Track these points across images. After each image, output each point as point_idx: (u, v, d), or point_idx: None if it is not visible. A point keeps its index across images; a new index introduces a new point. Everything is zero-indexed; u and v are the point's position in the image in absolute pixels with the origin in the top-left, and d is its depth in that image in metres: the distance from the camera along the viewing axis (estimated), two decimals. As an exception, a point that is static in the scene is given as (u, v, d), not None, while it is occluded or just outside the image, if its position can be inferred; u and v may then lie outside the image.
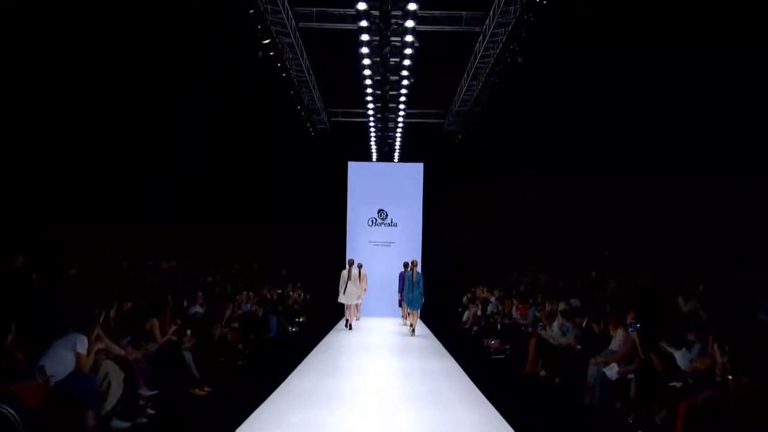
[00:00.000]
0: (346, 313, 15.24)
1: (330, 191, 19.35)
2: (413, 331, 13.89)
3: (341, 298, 15.03)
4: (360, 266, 15.59)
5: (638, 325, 7.00)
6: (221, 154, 15.49)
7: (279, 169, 18.26)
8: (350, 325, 14.71)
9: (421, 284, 13.87)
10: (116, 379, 6.15)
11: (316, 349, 11.30)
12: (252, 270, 15.51)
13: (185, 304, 9.24)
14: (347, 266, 15.40)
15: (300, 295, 17.12)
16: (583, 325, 8.74)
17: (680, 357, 6.33)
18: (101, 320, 6.48)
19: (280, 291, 15.00)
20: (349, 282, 14.96)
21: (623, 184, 13.07)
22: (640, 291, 9.45)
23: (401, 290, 15.17)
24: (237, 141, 15.66)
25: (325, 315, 17.11)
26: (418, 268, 14.20)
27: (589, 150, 13.76)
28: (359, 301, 15.54)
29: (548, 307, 10.08)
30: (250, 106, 14.79)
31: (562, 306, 9.64)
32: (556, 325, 9.30)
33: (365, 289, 15.64)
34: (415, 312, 13.96)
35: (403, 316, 15.39)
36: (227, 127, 15.11)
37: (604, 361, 7.29)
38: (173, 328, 7.68)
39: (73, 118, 10.49)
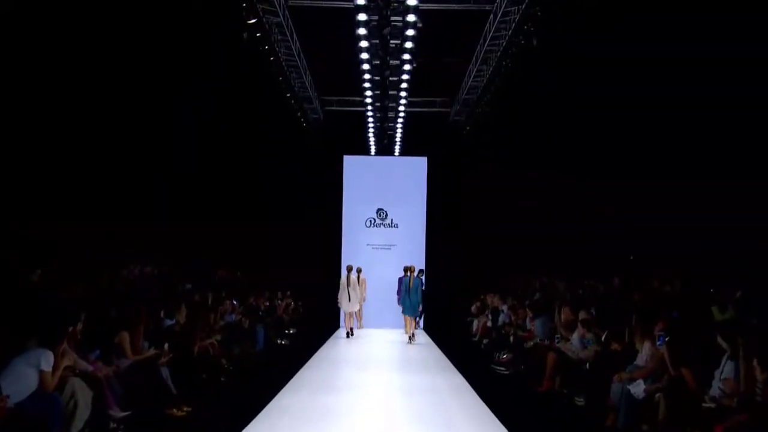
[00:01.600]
0: (346, 321, 15.87)
1: (324, 188, 19.32)
2: (410, 338, 14.72)
3: (341, 306, 15.93)
4: (359, 271, 16.13)
5: (667, 338, 6.93)
6: (199, 149, 15.46)
7: (266, 165, 18.21)
8: (350, 333, 15.48)
9: (419, 291, 14.84)
10: (84, 398, 6.08)
11: (308, 364, 11.26)
12: (236, 276, 15.46)
13: (162, 314, 9.17)
14: (346, 272, 16.10)
15: (290, 304, 17.08)
16: (604, 338, 8.68)
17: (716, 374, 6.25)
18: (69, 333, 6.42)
19: (267, 303, 14.94)
20: (348, 288, 15.60)
21: (650, 181, 13.01)
22: (670, 299, 9.39)
23: (399, 294, 15.82)
24: (218, 134, 15.63)
25: (318, 325, 17.08)
26: (416, 274, 15.16)
27: (614, 143, 13.71)
28: (359, 308, 16.09)
29: (567, 317, 10.03)
30: (233, 94, 14.75)
31: (582, 315, 9.58)
32: (575, 337, 9.23)
33: (365, 297, 16.13)
34: (412, 319, 14.89)
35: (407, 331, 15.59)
36: (207, 119, 15.08)
37: (630, 377, 7.24)
38: (153, 351, 7.61)
39: (31, 103, 10.50)
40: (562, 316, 10.27)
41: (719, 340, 6.26)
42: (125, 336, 7.46)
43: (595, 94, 13.23)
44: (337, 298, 16.22)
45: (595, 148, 14.32)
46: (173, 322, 9.27)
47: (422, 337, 16.47)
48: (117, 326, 7.51)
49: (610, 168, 14.08)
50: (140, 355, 7.53)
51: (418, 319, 14.98)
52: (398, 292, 16.30)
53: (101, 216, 12.42)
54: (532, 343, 10.84)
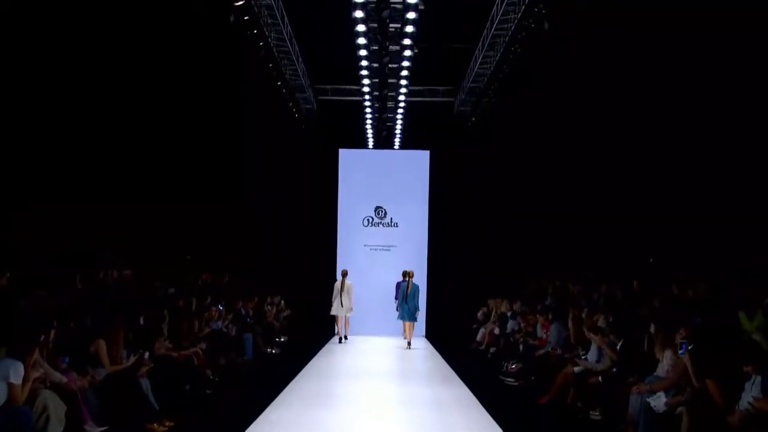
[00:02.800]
0: (337, 327, 16.61)
1: (317, 185, 19.28)
2: (409, 344, 15.46)
3: (333, 311, 16.51)
4: (344, 274, 16.49)
5: (690, 346, 6.92)
6: (180, 142, 15.47)
7: (254, 160, 18.16)
8: (342, 339, 16.30)
9: (416, 296, 15.69)
10: (57, 412, 6.09)
11: (301, 374, 11.26)
12: (223, 280, 15.46)
13: (142, 321, 9.15)
14: (340, 277, 16.58)
15: (281, 310, 17.08)
16: (620, 346, 8.68)
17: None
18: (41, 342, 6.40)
19: (256, 308, 14.93)
20: (342, 294, 16.30)
21: (673, 176, 13.00)
22: (693, 304, 9.38)
23: (397, 299, 16.42)
24: (201, 126, 15.62)
25: (312, 333, 17.08)
26: (415, 279, 15.89)
27: (635, 132, 13.69)
28: (348, 315, 16.50)
29: (581, 324, 10.02)
30: (218, 82, 14.71)
31: (597, 322, 9.58)
32: (593, 347, 9.23)
33: (351, 308, 16.43)
34: (411, 324, 15.67)
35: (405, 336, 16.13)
36: (190, 109, 15.06)
37: (649, 389, 7.25)
38: (134, 358, 7.60)
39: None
40: (576, 323, 10.27)
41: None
42: (102, 344, 7.44)
43: (612, 81, 13.20)
44: (332, 303, 16.58)
45: (615, 138, 14.29)
46: (156, 329, 9.26)
47: (424, 345, 16.48)
48: (93, 334, 7.48)
49: (628, 161, 14.05)
50: (118, 365, 7.51)
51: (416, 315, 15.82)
52: (396, 298, 16.61)
53: (75, 213, 12.43)
54: (543, 352, 10.83)
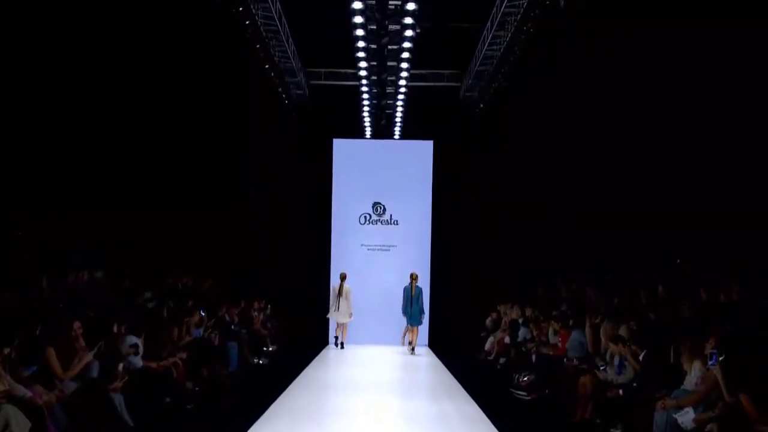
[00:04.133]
0: (336, 331, 16.99)
1: (310, 178, 19.24)
2: (413, 349, 16.21)
3: (330, 315, 17.02)
4: (342, 277, 16.82)
5: (721, 357, 6.88)
6: (160, 131, 15.43)
7: (239, 151, 18.10)
8: (341, 344, 16.76)
9: (420, 299, 16.48)
10: (20, 429, 6.05)
11: (291, 387, 11.23)
12: (205, 283, 15.43)
13: (116, 329, 9.11)
14: (339, 280, 16.90)
15: (270, 316, 17.06)
16: (642, 357, 8.66)
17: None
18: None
19: (239, 311, 14.90)
20: (340, 298, 16.74)
21: (703, 168, 12.95)
22: (725, 310, 9.35)
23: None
24: (182, 114, 15.59)
25: (303, 341, 17.06)
26: (418, 282, 16.73)
27: (663, 122, 13.64)
28: (347, 321, 16.88)
29: (599, 332, 10.00)
30: (201, 65, 14.66)
31: (619, 330, 9.55)
32: (610, 355, 9.21)
33: (350, 314, 16.81)
34: (415, 329, 16.46)
35: (403, 342, 16.87)
36: (169, 96, 15.03)
37: (676, 404, 7.23)
38: (86, 357, 7.55)
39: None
40: (595, 331, 10.25)
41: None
42: (51, 353, 7.40)
43: (637, 64, 13.15)
44: (330, 308, 16.91)
45: (639, 128, 14.25)
46: (136, 340, 9.25)
47: (427, 355, 16.47)
48: (43, 342, 7.46)
49: (652, 152, 14.01)
50: (71, 371, 7.47)
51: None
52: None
53: (44, 211, 12.44)
54: (559, 363, 10.80)
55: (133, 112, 14.74)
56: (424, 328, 17.69)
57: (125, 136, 14.81)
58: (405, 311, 16.59)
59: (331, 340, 17.50)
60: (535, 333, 13.11)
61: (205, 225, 16.84)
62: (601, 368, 9.47)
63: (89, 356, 7.67)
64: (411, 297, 16.48)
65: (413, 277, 16.69)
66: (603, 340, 9.90)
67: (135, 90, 14.34)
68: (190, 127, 16.00)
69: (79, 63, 13.15)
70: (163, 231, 15.60)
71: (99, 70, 13.62)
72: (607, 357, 9.62)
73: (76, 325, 7.95)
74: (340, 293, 16.73)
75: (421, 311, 16.59)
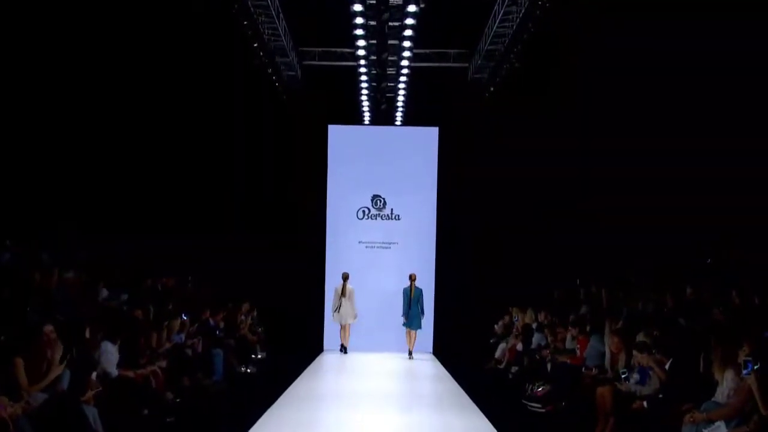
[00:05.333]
0: (340, 335, 17.46)
1: (302, 169, 19.21)
2: (410, 353, 16.75)
3: (334, 318, 17.46)
4: (345, 277, 17.21)
5: (756, 365, 6.87)
6: (139, 117, 15.42)
7: (225, 138, 18.08)
8: (345, 349, 17.30)
9: (421, 301, 16.94)
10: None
11: (282, 399, 11.22)
12: (187, 285, 15.42)
13: (90, 334, 9.10)
14: (341, 281, 17.31)
15: (258, 321, 17.07)
16: (669, 366, 8.65)
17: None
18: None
19: (224, 315, 14.89)
20: (343, 299, 17.19)
21: (736, 162, 12.98)
22: (760, 315, 9.35)
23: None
24: (162, 98, 15.56)
25: (296, 348, 17.06)
26: (421, 283, 17.18)
27: (692, 113, 13.65)
28: (351, 322, 17.31)
29: (621, 339, 9.99)
30: (181, 42, 14.65)
31: (640, 337, 9.53)
32: (637, 367, 9.19)
33: (355, 315, 17.25)
34: (414, 332, 16.97)
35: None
36: (150, 79, 15.01)
37: (706, 418, 7.21)
38: (56, 370, 7.54)
39: None
40: (616, 337, 10.24)
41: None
42: (19, 363, 7.38)
43: (667, 42, 13.16)
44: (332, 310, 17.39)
45: (666, 117, 14.26)
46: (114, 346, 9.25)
47: (432, 363, 16.47)
48: (8, 350, 7.44)
49: (682, 143, 14.02)
50: (39, 384, 7.45)
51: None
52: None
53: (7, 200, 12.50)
54: (576, 372, 10.80)
55: (106, 98, 14.77)
56: (428, 334, 17.74)
57: (97, 122, 14.82)
58: (405, 313, 17.01)
59: (330, 345, 17.68)
60: (550, 339, 13.08)
61: (183, 220, 16.86)
62: (622, 376, 9.45)
63: (59, 369, 7.64)
64: (410, 299, 16.89)
65: (412, 278, 17.04)
66: (625, 347, 9.89)
67: (103, 74, 14.38)
68: (168, 112, 16.01)
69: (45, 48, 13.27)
70: (139, 226, 15.61)
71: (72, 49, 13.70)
72: (621, 366, 9.61)
73: (48, 328, 7.93)
74: (343, 293, 17.11)
75: (421, 313, 17.01)
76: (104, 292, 12.18)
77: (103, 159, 15.58)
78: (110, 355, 9.20)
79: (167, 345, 11.18)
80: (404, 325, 17.08)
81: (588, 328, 11.61)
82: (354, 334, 17.41)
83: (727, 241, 13.35)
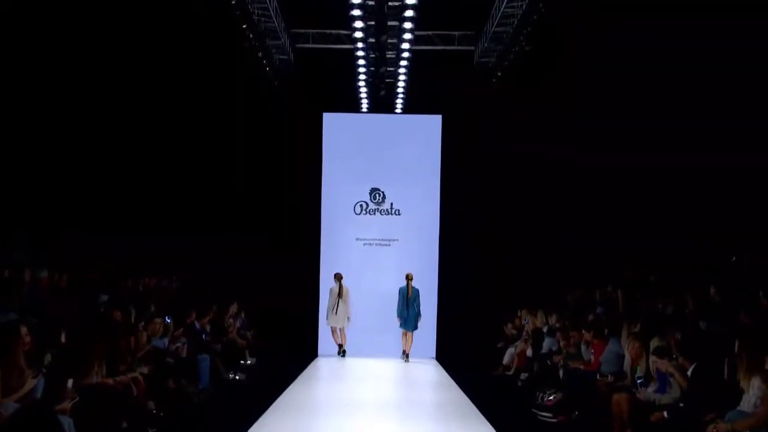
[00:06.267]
0: (334, 338, 17.64)
1: (295, 160, 19.17)
2: (407, 356, 17.22)
3: (328, 321, 17.64)
4: (339, 278, 17.47)
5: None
6: (119, 102, 15.42)
7: (211, 127, 18.05)
8: (343, 351, 17.53)
9: (417, 301, 17.23)
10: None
11: (273, 408, 11.20)
12: (171, 285, 15.41)
13: (65, 339, 9.08)
14: (335, 281, 17.59)
15: (248, 323, 17.07)
16: (691, 372, 8.65)
17: None
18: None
19: (210, 318, 14.89)
20: (339, 300, 17.40)
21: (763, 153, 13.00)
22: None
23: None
24: (147, 82, 15.55)
25: (288, 353, 17.06)
26: (424, 282, 17.49)
27: (716, 102, 13.67)
28: (344, 325, 17.49)
29: (639, 343, 9.99)
30: (164, 26, 14.65)
31: (656, 342, 9.55)
32: (656, 373, 9.18)
33: (348, 317, 17.42)
34: (410, 334, 17.31)
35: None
36: (133, 61, 15.03)
37: (731, 429, 7.23)
38: (29, 383, 7.51)
39: None
40: (634, 342, 10.23)
41: None
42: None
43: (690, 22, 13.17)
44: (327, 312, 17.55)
45: (690, 104, 14.26)
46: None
47: (434, 368, 16.47)
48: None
49: (706, 129, 14.02)
50: (16, 394, 7.42)
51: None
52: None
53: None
54: (591, 379, 10.78)
55: (83, 89, 14.83)
56: (430, 337, 17.77)
57: (72, 114, 14.86)
58: (400, 314, 17.22)
59: (325, 350, 17.81)
60: (562, 343, 13.11)
61: (167, 217, 16.85)
62: (638, 381, 9.45)
63: (33, 382, 7.60)
64: (407, 299, 17.11)
65: (409, 278, 17.22)
66: (645, 352, 9.88)
67: (84, 63, 14.43)
68: (147, 100, 16.01)
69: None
70: (119, 222, 15.62)
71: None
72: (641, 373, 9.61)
73: (23, 330, 7.91)
74: (340, 294, 17.34)
75: (418, 315, 17.25)
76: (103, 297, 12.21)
77: (78, 152, 15.60)
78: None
79: (149, 348, 11.15)
80: (401, 326, 17.31)
81: (606, 332, 11.60)
82: (351, 337, 17.42)
83: (753, 238, 13.34)
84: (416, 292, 17.22)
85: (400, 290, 17.29)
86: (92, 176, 15.96)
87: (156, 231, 16.73)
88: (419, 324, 17.29)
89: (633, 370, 10.14)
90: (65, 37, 13.95)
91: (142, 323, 11.49)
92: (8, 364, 7.56)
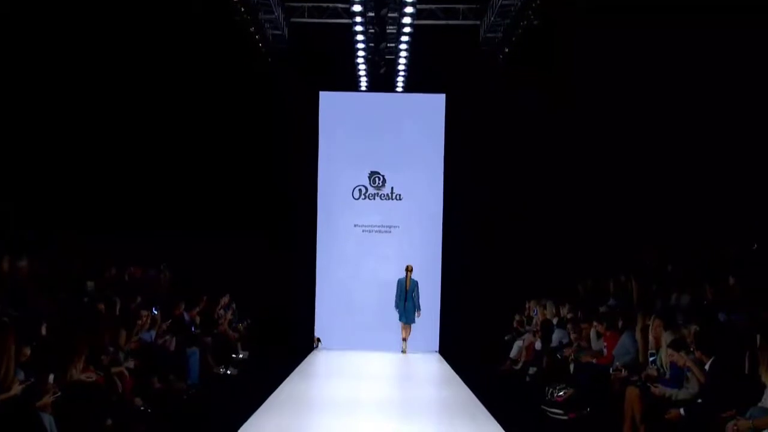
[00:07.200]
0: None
1: (289, 141, 19.13)
2: (405, 345, 17.59)
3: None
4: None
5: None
6: (99, 82, 15.43)
7: (199, 107, 18.00)
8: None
9: (416, 293, 17.68)
10: None
11: (266, 405, 11.20)
12: (158, 275, 15.41)
13: (45, 331, 9.09)
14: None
15: (239, 315, 17.07)
16: (709, 366, 8.65)
17: None
18: None
19: (200, 310, 14.92)
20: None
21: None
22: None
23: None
24: (130, 61, 15.54)
25: (282, 347, 17.07)
26: (425, 272, 17.91)
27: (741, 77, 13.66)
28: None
29: (654, 336, 9.99)
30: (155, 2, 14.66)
31: (668, 335, 9.56)
32: (672, 368, 9.20)
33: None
34: (408, 326, 17.75)
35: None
36: (116, 43, 15.04)
37: (753, 426, 7.23)
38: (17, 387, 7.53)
39: None
40: (648, 334, 10.24)
41: None
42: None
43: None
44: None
45: (713, 80, 14.23)
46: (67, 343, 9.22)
47: (437, 363, 16.50)
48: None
49: (728, 107, 14.01)
50: (6, 394, 7.45)
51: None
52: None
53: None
54: (603, 374, 10.80)
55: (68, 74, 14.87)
56: (433, 331, 17.80)
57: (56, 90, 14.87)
58: (397, 306, 17.77)
59: (322, 343, 17.90)
60: (573, 336, 13.12)
61: (153, 201, 16.84)
62: (651, 359, 9.46)
63: (16, 388, 7.60)
64: (405, 291, 17.60)
65: (409, 269, 17.77)
66: (657, 344, 9.90)
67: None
68: (136, 80, 15.99)
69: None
70: (102, 206, 15.61)
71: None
72: (661, 364, 9.63)
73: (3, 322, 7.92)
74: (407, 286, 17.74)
75: (417, 307, 17.78)
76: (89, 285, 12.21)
77: (63, 141, 15.61)
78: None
79: (135, 341, 11.16)
80: (400, 319, 17.74)
81: (619, 324, 11.61)
82: (345, 331, 17.50)
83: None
84: (414, 284, 17.66)
85: (399, 282, 17.68)
86: (73, 166, 15.93)
87: (143, 218, 16.72)
88: (417, 317, 17.70)
89: (645, 354, 10.17)
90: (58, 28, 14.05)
91: (128, 315, 11.48)
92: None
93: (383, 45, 17.91)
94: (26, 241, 12.77)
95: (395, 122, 18.64)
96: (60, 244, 13.94)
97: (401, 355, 17.30)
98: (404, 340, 17.75)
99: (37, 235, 13.60)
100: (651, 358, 9.85)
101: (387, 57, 18.71)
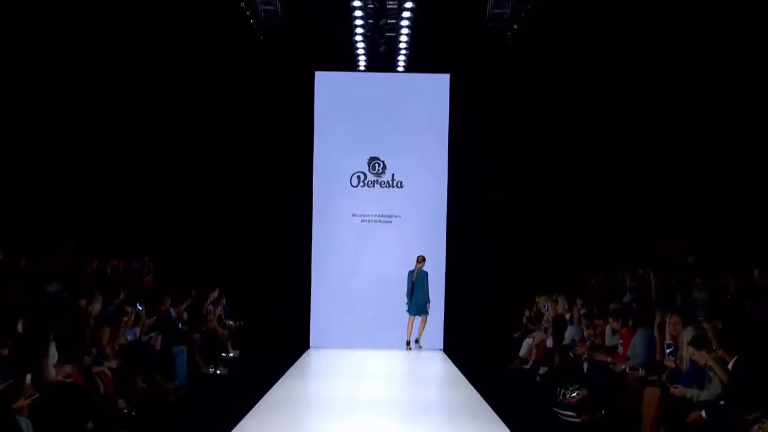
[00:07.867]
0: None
1: (283, 124, 19.11)
2: (409, 344, 17.60)
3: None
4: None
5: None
6: (88, 67, 15.46)
7: (186, 88, 17.98)
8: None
9: (426, 285, 17.68)
10: None
11: (258, 407, 11.19)
12: (142, 269, 15.41)
13: (20, 328, 9.08)
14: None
15: (229, 312, 17.08)
16: (732, 366, 8.66)
17: None
18: None
19: (188, 306, 14.92)
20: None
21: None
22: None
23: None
24: (120, 44, 15.56)
25: (276, 345, 17.08)
26: (430, 265, 17.80)
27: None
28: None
29: (674, 333, 9.98)
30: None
31: (689, 332, 9.55)
32: (693, 367, 9.20)
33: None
34: (422, 319, 17.72)
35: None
36: (104, 26, 15.06)
37: (779, 430, 7.21)
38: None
39: None
40: (667, 332, 10.23)
41: None
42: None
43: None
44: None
45: (735, 61, 14.21)
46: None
47: (442, 362, 16.51)
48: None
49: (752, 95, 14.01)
50: None
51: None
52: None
53: None
54: (619, 373, 10.81)
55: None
56: (437, 327, 17.84)
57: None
58: (407, 296, 17.75)
59: (317, 341, 18.05)
60: (587, 333, 13.14)
61: (137, 189, 16.83)
62: (667, 351, 9.46)
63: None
64: (413, 283, 17.59)
65: (418, 260, 17.68)
66: (671, 339, 9.90)
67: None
68: (122, 64, 16.01)
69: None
70: (83, 195, 15.59)
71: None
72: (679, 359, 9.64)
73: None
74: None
75: (426, 300, 17.72)
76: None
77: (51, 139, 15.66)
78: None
79: (120, 341, 11.16)
80: (408, 311, 17.70)
81: (634, 320, 11.60)
82: (344, 328, 17.51)
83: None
84: (423, 275, 17.59)
85: (409, 273, 17.69)
86: (52, 153, 15.95)
87: (127, 207, 16.73)
88: (428, 309, 17.65)
89: (662, 345, 10.17)
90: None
91: (120, 315, 11.48)
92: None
93: (383, 21, 17.87)
94: (2, 233, 12.79)
95: (396, 104, 18.60)
96: (37, 235, 13.95)
97: (403, 353, 17.31)
98: (417, 338, 17.69)
99: (15, 227, 13.63)
100: (668, 350, 9.85)
101: (387, 34, 18.66)
